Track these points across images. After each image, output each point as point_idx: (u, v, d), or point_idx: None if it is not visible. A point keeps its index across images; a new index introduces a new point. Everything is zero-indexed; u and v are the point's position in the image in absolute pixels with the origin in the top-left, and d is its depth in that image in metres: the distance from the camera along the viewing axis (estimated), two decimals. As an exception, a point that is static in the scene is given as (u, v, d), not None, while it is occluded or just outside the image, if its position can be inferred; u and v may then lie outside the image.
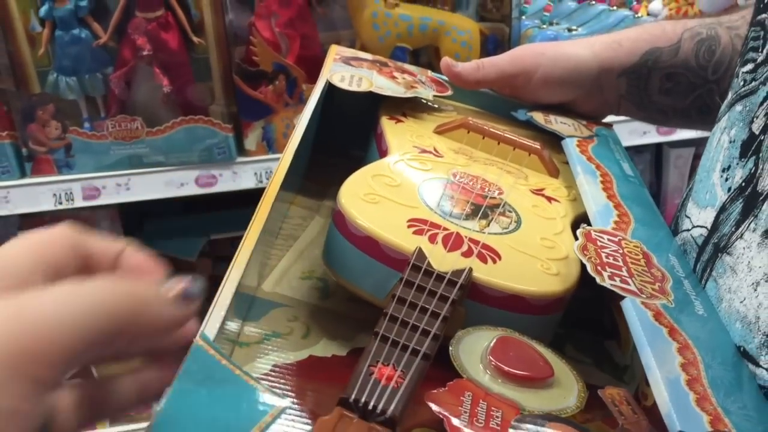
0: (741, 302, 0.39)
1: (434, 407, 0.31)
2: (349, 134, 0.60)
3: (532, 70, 0.60)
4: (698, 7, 1.11)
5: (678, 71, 0.59)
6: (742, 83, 0.45)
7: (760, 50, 0.44)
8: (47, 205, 1.02)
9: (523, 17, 1.13)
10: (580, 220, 0.46)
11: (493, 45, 1.07)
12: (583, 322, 0.48)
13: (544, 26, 1.10)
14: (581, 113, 0.62)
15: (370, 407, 0.31)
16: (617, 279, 0.39)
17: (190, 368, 0.30)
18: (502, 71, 0.60)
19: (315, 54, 1.04)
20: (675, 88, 0.59)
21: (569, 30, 1.11)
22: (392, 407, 0.31)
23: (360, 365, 0.33)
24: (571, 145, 0.55)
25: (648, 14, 1.12)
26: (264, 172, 1.05)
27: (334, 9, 1.03)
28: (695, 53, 0.58)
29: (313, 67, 1.04)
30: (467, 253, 0.41)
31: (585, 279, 0.41)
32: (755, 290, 0.38)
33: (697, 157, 1.22)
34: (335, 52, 0.63)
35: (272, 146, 1.06)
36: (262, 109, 1.04)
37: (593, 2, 1.18)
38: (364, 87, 0.56)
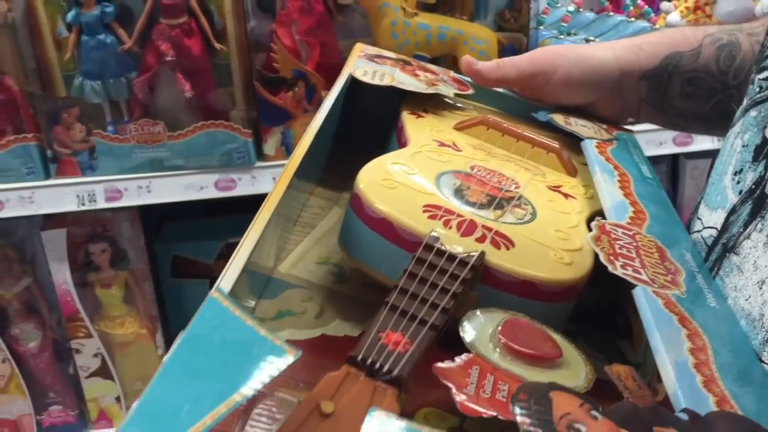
0: (746, 300, 0.40)
1: (441, 378, 0.32)
2: (370, 131, 0.61)
3: (552, 71, 0.60)
4: (716, 19, 1.11)
5: (699, 76, 0.59)
6: (758, 89, 0.46)
7: None
8: (70, 205, 1.04)
9: (541, 27, 1.14)
10: (596, 216, 0.47)
11: (510, 54, 1.07)
12: (596, 321, 0.49)
13: (562, 36, 1.11)
14: (601, 116, 0.62)
15: (377, 366, 0.32)
16: (629, 269, 0.39)
17: (204, 316, 0.32)
18: (522, 70, 0.61)
19: (334, 61, 1.05)
20: (695, 92, 0.60)
21: (587, 41, 1.12)
22: (398, 368, 0.32)
23: (369, 330, 0.34)
24: (590, 146, 0.56)
25: (666, 26, 1.12)
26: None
27: (353, 17, 1.05)
28: (716, 58, 0.59)
29: (332, 74, 1.05)
30: (481, 239, 0.42)
31: (600, 279, 0.42)
32: (760, 288, 0.39)
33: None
34: (360, 49, 0.65)
35: (291, 151, 1.07)
36: (282, 114, 1.06)
37: (611, 13, 1.19)
38: (386, 81, 0.58)
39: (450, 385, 0.32)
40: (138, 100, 1.02)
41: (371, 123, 0.61)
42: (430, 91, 0.59)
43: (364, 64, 0.60)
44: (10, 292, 1.13)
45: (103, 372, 1.21)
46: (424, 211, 0.43)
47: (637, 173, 0.53)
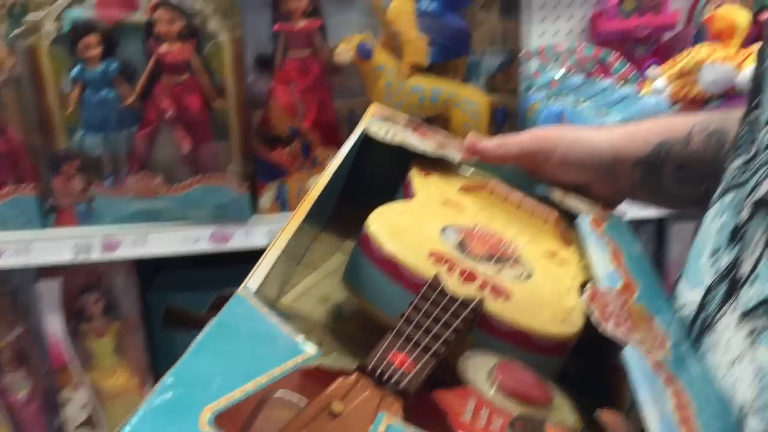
0: (721, 378, 0.42)
1: (440, 404, 0.35)
2: (375, 188, 0.63)
3: (551, 150, 0.63)
4: (700, 86, 1.15)
5: (689, 163, 0.62)
6: (732, 176, 0.48)
7: (749, 147, 0.47)
8: (67, 255, 1.06)
9: (532, 90, 1.18)
10: (588, 284, 0.50)
11: (501, 116, 1.11)
12: (578, 388, 0.50)
13: (551, 100, 1.15)
14: (597, 197, 0.65)
15: (385, 377, 0.35)
16: (620, 330, 0.42)
17: (233, 308, 0.37)
18: (523, 149, 0.64)
19: (330, 120, 1.08)
20: (687, 177, 0.62)
21: (576, 104, 1.16)
22: (405, 382, 0.35)
23: (377, 347, 0.37)
24: (584, 222, 0.58)
25: (652, 91, 1.16)
26: (277, 230, 1.08)
27: (349, 78, 1.08)
28: (705, 145, 0.61)
29: (328, 132, 1.09)
30: (481, 287, 0.45)
31: (584, 347, 0.44)
32: (732, 367, 0.41)
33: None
34: (374, 109, 0.68)
35: (286, 206, 1.10)
36: (278, 170, 1.08)
37: (599, 78, 1.23)
38: (397, 140, 0.61)
39: (448, 410, 0.35)
40: (137, 154, 1.05)
41: (377, 181, 0.63)
42: (439, 154, 0.62)
43: (377, 122, 0.63)
44: (2, 341, 1.14)
45: (90, 423, 1.21)
46: (429, 257, 0.46)
47: (629, 249, 0.56)
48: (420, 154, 0.62)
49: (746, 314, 0.41)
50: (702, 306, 0.46)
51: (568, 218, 0.60)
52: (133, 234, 1.06)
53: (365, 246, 0.46)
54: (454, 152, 0.64)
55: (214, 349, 0.34)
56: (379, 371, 0.35)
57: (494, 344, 0.43)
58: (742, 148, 0.48)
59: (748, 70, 1.12)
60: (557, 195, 0.62)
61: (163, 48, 1.01)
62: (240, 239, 1.08)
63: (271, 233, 1.09)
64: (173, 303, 1.25)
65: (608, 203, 0.64)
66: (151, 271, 1.28)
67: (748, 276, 0.42)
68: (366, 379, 0.35)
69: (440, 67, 1.09)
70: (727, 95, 1.15)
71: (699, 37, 1.31)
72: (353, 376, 0.35)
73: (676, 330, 0.46)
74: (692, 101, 1.17)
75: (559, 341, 0.44)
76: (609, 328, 0.42)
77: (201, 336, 0.34)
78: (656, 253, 1.20)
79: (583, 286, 0.49)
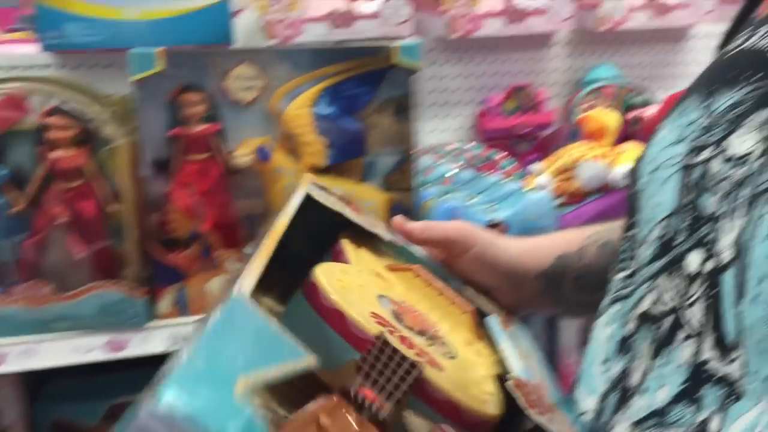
0: None
1: None
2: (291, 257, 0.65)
3: (471, 244, 0.67)
4: (579, 182, 1.24)
5: (585, 273, 0.67)
6: (617, 288, 0.52)
7: (629, 263, 0.52)
8: (-55, 373, 0.99)
9: (425, 187, 1.23)
10: (502, 377, 0.53)
11: (399, 212, 1.14)
12: None
13: (444, 197, 1.20)
14: (502, 302, 0.68)
15: (365, 406, 0.39)
16: (545, 418, 0.45)
17: (233, 306, 0.39)
18: (446, 235, 0.67)
19: (230, 222, 1.09)
20: (585, 287, 0.67)
21: (467, 199, 1.22)
22: (381, 412, 0.39)
23: (355, 380, 0.41)
24: (494, 321, 0.62)
25: (536, 187, 1.24)
26: (177, 335, 1.06)
27: (250, 178, 1.10)
28: (598, 256, 0.66)
29: (228, 233, 1.09)
30: (418, 355, 0.47)
31: None
32: None
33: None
34: (309, 179, 0.70)
35: (185, 310, 1.07)
36: (177, 273, 1.07)
37: (487, 173, 1.30)
38: (337, 208, 0.63)
39: None
40: (26, 262, 1.01)
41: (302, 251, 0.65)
42: (372, 230, 0.64)
43: (316, 190, 0.65)
44: None
45: None
46: (371, 316, 0.47)
47: (535, 352, 0.60)
48: (349, 228, 0.64)
49: (637, 423, 0.45)
50: (598, 413, 0.50)
51: (479, 315, 0.64)
52: (21, 346, 1.01)
53: (311, 295, 0.48)
54: (382, 232, 0.66)
55: (218, 340, 0.37)
56: (359, 399, 0.39)
57: (423, 411, 0.45)
58: (624, 263, 0.53)
59: (620, 167, 1.23)
60: (469, 291, 0.66)
61: (56, 154, 0.99)
62: (137, 346, 1.05)
63: (170, 338, 1.06)
64: (62, 416, 1.18)
65: (512, 310, 0.68)
66: (38, 381, 1.21)
67: (638, 386, 0.46)
68: (348, 403, 0.39)
69: (338, 167, 1.12)
70: (603, 190, 1.24)
71: (573, 135, 1.42)
72: (336, 398, 0.39)
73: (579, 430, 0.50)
74: (572, 195, 1.26)
75: (483, 419, 0.47)
76: (534, 414, 0.45)
77: (209, 327, 0.38)
78: (548, 340, 1.26)
79: (498, 377, 0.52)
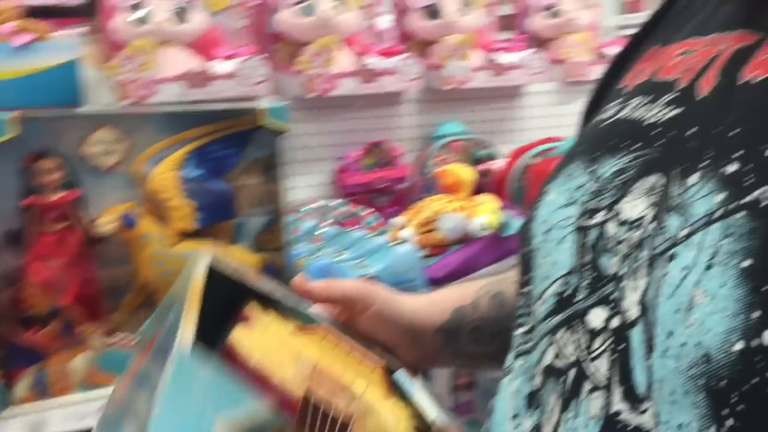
0: None
1: None
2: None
3: (370, 303, 0.67)
4: (441, 234, 1.30)
5: (480, 324, 0.69)
6: (518, 343, 0.55)
7: (527, 318, 0.54)
8: None
9: (295, 246, 1.23)
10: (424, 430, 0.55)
11: (271, 273, 1.14)
12: None
13: (315, 254, 1.21)
14: (404, 361, 0.68)
15: None
16: None
17: (179, 363, 0.41)
18: (346, 293, 0.67)
19: (93, 293, 1.02)
20: (481, 338, 0.69)
21: (336, 255, 1.23)
22: None
23: None
24: (403, 374, 0.63)
25: (401, 240, 1.28)
26: (35, 421, 0.97)
27: (112, 248, 1.04)
28: (490, 307, 0.69)
29: (91, 306, 1.02)
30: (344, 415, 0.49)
31: None
32: None
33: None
34: (208, 248, 0.68)
35: (46, 392, 0.99)
36: (35, 354, 0.99)
37: (352, 228, 1.32)
38: (246, 278, 0.62)
39: None
40: None
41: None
42: (277, 296, 0.63)
43: (216, 259, 0.63)
44: None
45: None
46: (294, 376, 0.49)
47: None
48: (250, 295, 0.62)
49: None
50: None
51: (387, 371, 0.65)
52: None
53: (229, 358, 0.48)
54: (286, 298, 0.66)
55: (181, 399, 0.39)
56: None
57: None
58: (522, 318, 0.55)
59: (479, 218, 1.30)
60: (375, 350, 0.67)
61: None
62: (-9, 437, 0.95)
63: (28, 425, 0.97)
64: None
65: (412, 369, 0.69)
66: None
67: None
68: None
69: (207, 230, 1.10)
70: (464, 240, 1.31)
71: (428, 188, 1.49)
72: None
73: None
74: (435, 247, 1.31)
75: None
76: None
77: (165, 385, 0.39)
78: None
79: (418, 429, 0.54)
